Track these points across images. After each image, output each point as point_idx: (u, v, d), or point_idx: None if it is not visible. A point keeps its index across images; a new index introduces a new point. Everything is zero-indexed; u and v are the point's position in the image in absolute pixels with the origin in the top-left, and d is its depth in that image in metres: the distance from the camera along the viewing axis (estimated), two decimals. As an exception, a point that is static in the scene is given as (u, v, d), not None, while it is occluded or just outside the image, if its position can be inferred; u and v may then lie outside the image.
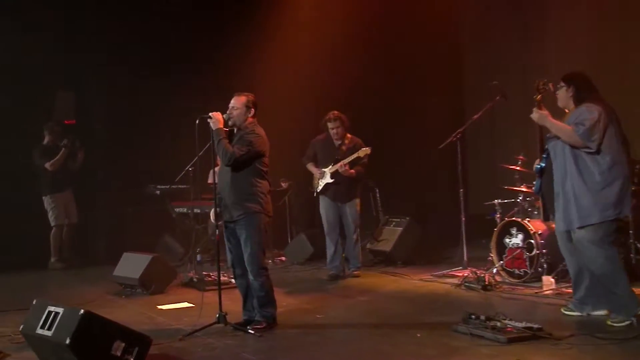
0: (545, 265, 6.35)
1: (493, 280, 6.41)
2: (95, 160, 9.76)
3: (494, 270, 6.67)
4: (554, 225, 5.43)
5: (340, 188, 7.27)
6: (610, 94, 5.25)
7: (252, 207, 5.11)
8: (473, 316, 4.77)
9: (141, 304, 6.40)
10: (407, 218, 8.41)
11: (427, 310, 5.74)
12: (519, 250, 6.54)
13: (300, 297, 6.50)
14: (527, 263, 6.46)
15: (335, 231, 7.35)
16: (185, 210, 8.82)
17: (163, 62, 9.64)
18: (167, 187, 8.87)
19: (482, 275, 6.48)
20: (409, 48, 10.13)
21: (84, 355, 4.04)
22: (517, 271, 6.57)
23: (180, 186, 8.39)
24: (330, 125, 7.24)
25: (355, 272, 7.41)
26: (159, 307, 6.19)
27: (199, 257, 8.38)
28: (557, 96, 5.07)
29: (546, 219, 5.55)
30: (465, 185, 7.49)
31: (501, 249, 6.74)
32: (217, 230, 5.26)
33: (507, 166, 7.12)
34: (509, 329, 4.54)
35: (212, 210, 5.34)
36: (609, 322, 4.84)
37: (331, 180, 7.26)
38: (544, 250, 6.34)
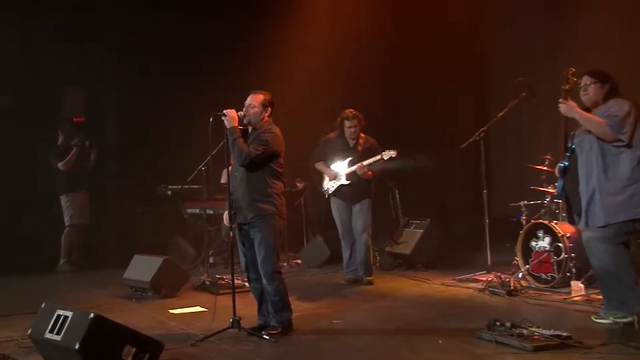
0: (573, 270, 6.29)
1: (518, 285, 6.36)
2: (104, 159, 9.81)
3: (520, 275, 6.62)
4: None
5: (354, 189, 7.23)
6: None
7: (266, 208, 5.11)
8: (498, 323, 4.73)
9: (152, 308, 6.42)
10: (428, 220, 8.38)
11: (449, 316, 5.71)
12: (546, 254, 6.48)
13: (316, 302, 6.49)
14: (555, 267, 6.41)
15: (350, 234, 7.31)
16: (197, 211, 8.85)
17: (176, 58, 9.69)
18: (179, 187, 8.90)
19: (507, 279, 6.43)
20: (429, 42, 10.07)
21: (93, 360, 4.05)
22: (544, 276, 6.52)
23: (192, 186, 8.42)
24: (347, 123, 7.19)
25: (368, 279, 7.25)
26: (171, 311, 6.20)
27: (211, 260, 8.42)
28: (585, 91, 5.01)
29: (572, 222, 5.50)
30: (488, 186, 7.43)
31: (527, 252, 6.69)
32: (230, 232, 5.25)
33: (533, 166, 7.06)
34: (536, 337, 4.50)
35: (226, 212, 5.34)
36: (611, 318, 4.91)
37: (346, 182, 7.21)
38: (572, 254, 6.28)
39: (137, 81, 9.58)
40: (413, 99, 10.24)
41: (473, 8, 10.15)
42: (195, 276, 7.46)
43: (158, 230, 9.35)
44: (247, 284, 6.59)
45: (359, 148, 7.24)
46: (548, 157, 6.90)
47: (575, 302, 5.87)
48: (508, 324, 4.69)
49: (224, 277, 7.09)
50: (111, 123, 10.05)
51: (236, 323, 5.14)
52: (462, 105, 10.32)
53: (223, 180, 8.46)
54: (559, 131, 5.28)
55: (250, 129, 5.26)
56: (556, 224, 6.47)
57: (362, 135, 7.29)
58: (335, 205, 7.37)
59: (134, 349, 4.18)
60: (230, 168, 5.32)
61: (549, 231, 6.50)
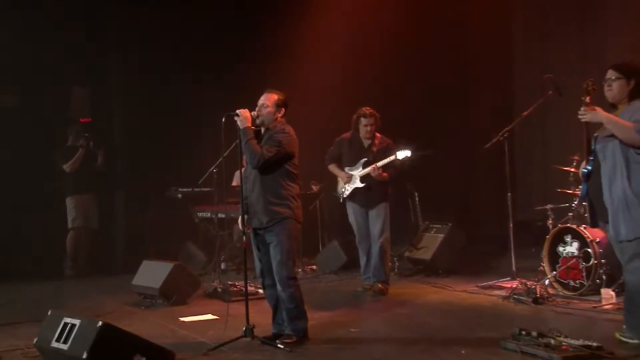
0: (604, 277, 6.24)
1: (545, 293, 6.31)
2: (112, 160, 9.87)
3: (546, 282, 6.57)
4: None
5: (370, 193, 7.14)
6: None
7: (282, 212, 5.11)
8: (523, 332, 4.71)
9: (162, 315, 6.43)
10: (449, 224, 8.36)
11: (472, 325, 5.67)
12: (574, 260, 6.44)
13: (333, 310, 6.47)
14: (584, 274, 6.36)
15: (367, 240, 7.24)
16: (209, 215, 8.86)
17: (187, 57, 9.72)
18: (190, 190, 8.93)
19: (533, 287, 6.39)
20: (451, 38, 10.04)
21: (102, 370, 4.07)
22: (572, 283, 6.48)
23: (203, 189, 8.44)
24: (363, 121, 7.14)
25: (380, 286, 7.09)
26: (182, 319, 6.20)
27: (223, 266, 8.44)
28: (609, 87, 4.93)
29: (594, 225, 5.44)
30: (513, 188, 7.40)
31: (554, 258, 6.65)
32: (243, 237, 5.25)
33: (560, 167, 7.01)
34: (564, 347, 4.45)
35: (240, 216, 5.34)
36: (617, 335, 4.80)
37: (361, 185, 7.14)
38: (602, 260, 6.23)
39: (147, 80, 9.62)
40: (433, 97, 10.21)
41: (500, 1, 10.09)
42: (206, 283, 7.47)
43: (168, 234, 9.38)
44: (260, 290, 6.60)
45: (374, 149, 7.17)
46: (576, 157, 6.85)
47: (606, 311, 5.82)
48: (534, 334, 4.65)
49: (237, 283, 7.10)
50: (119, 123, 10.10)
51: (249, 331, 5.13)
52: (486, 103, 10.29)
53: (235, 182, 8.50)
54: (583, 133, 5.22)
55: (263, 129, 5.26)
56: (585, 228, 6.41)
57: (377, 135, 7.22)
58: (351, 210, 7.32)
59: (144, 359, 4.18)
60: (242, 170, 5.33)
61: (577, 236, 6.45)
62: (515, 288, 6.54)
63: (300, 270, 8.38)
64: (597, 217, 5.17)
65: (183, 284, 6.95)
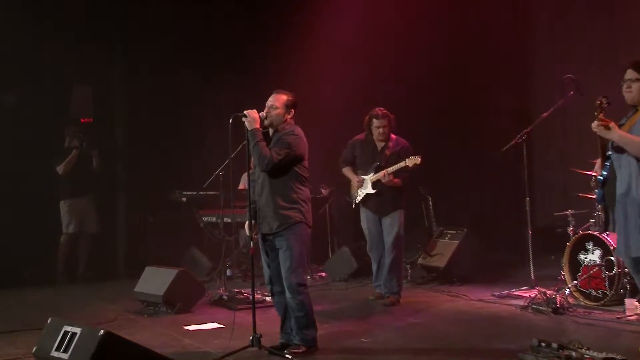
0: (627, 287, 6.20)
1: (565, 303, 6.28)
2: (114, 162, 9.88)
3: (567, 291, 6.56)
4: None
5: (382, 199, 7.08)
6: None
7: (293, 216, 5.11)
8: (543, 344, 4.68)
9: (166, 324, 6.43)
10: (464, 230, 8.33)
11: (489, 336, 5.65)
12: (596, 269, 6.41)
13: (343, 319, 6.47)
14: (606, 283, 6.32)
15: (379, 247, 7.20)
16: (214, 219, 8.85)
17: (192, 56, 9.72)
18: (195, 193, 8.90)
19: (553, 296, 6.35)
20: (466, 37, 10.00)
21: (103, 380, 4.07)
22: (594, 292, 6.44)
23: (209, 192, 8.42)
24: (376, 122, 7.08)
25: (389, 299, 7.03)
26: (186, 327, 6.21)
27: (229, 272, 8.43)
28: (629, 88, 4.89)
29: (605, 230, 5.42)
30: (531, 193, 7.39)
31: (575, 266, 6.62)
32: (251, 242, 5.25)
33: (581, 171, 6.97)
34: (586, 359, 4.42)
35: (247, 221, 5.33)
36: None
37: (372, 191, 7.09)
38: (626, 269, 6.16)
39: (151, 80, 9.62)
40: (448, 98, 10.18)
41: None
42: (211, 290, 7.47)
43: (172, 239, 9.38)
44: (267, 298, 6.61)
45: (387, 152, 7.09)
46: (595, 161, 6.80)
47: (630, 322, 5.78)
48: (554, 345, 4.63)
49: (243, 291, 7.09)
50: (122, 124, 10.10)
51: (256, 341, 5.12)
52: (503, 104, 10.24)
53: (242, 185, 8.50)
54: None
55: (271, 130, 5.26)
56: (607, 235, 6.37)
57: (392, 136, 7.15)
58: (364, 216, 7.28)
59: (147, 369, 4.18)
60: (250, 172, 5.32)
61: (600, 243, 6.42)
62: (534, 297, 6.50)
63: (309, 277, 8.36)
64: (611, 222, 5.16)
65: (187, 291, 6.95)
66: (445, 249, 8.25)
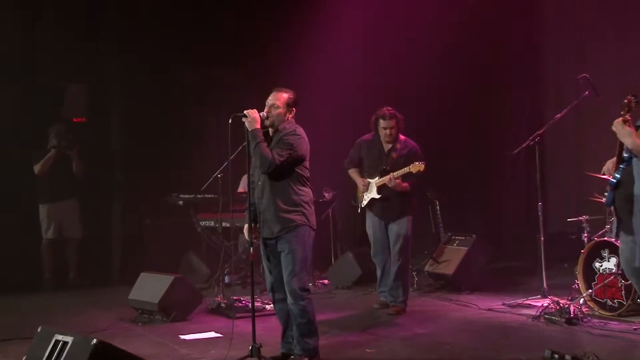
0: (645, 296, 6.19)
1: (580, 313, 6.27)
2: (108, 164, 9.88)
3: (581, 301, 6.53)
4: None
5: (390, 204, 7.04)
6: None
7: (295, 219, 5.12)
8: (556, 355, 4.71)
9: (161, 333, 6.42)
10: (473, 236, 8.32)
11: (499, 347, 5.64)
12: (612, 277, 6.38)
13: (346, 328, 6.45)
14: (623, 293, 6.30)
15: (384, 253, 7.18)
16: (212, 223, 8.86)
17: (190, 53, 9.73)
18: (192, 196, 8.92)
19: (566, 305, 6.34)
20: (476, 34, 9.99)
21: (96, 392, 4.06)
22: (609, 302, 6.42)
23: (207, 196, 8.43)
24: (383, 123, 7.02)
25: (394, 308, 7.01)
26: (182, 337, 6.20)
27: (227, 279, 8.42)
28: None
29: (617, 235, 5.42)
30: (544, 197, 7.36)
31: (590, 274, 6.60)
32: (251, 248, 5.24)
33: (595, 175, 6.94)
34: (601, 372, 4.43)
35: (246, 225, 5.33)
36: None
37: (377, 196, 7.04)
38: (643, 278, 6.17)
39: (147, 78, 9.63)
40: (458, 98, 10.17)
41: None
42: (209, 297, 7.47)
43: (168, 245, 9.37)
44: (268, 306, 6.63)
45: (394, 155, 7.04)
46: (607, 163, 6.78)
47: (648, 333, 5.78)
48: (568, 357, 4.64)
49: (242, 298, 7.08)
50: (117, 124, 10.10)
51: (256, 351, 5.10)
52: (515, 104, 10.23)
53: (242, 188, 8.50)
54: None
55: (271, 130, 5.25)
56: (623, 241, 6.36)
57: (401, 137, 7.09)
58: (369, 221, 7.24)
59: (141, 380, 4.17)
60: (249, 174, 5.31)
61: (616, 250, 6.35)
62: (546, 307, 6.48)
63: (311, 284, 8.34)
64: (622, 228, 5.16)
65: (184, 299, 6.94)
66: (453, 255, 8.22)
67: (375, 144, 7.15)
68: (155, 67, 9.59)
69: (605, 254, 6.50)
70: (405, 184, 6.92)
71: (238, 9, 9.88)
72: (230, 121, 5.14)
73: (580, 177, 8.23)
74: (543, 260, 7.11)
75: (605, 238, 6.59)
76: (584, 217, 7.06)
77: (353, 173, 7.29)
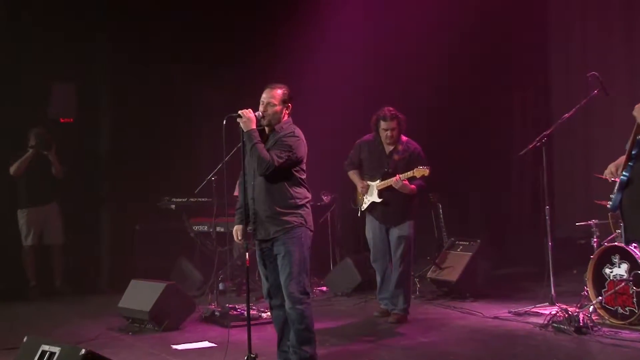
0: (658, 303, 6.19)
1: (589, 321, 6.25)
2: (96, 166, 9.86)
3: (591, 308, 6.52)
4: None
5: (388, 208, 7.03)
6: None
7: (292, 220, 5.12)
8: (565, 366, 4.66)
9: (152, 342, 6.40)
10: (478, 241, 8.33)
11: (505, 357, 5.65)
12: (623, 284, 6.37)
13: (346, 337, 6.46)
14: (634, 300, 6.29)
15: (385, 258, 7.18)
16: (206, 228, 8.86)
17: (182, 51, 9.72)
18: (185, 200, 8.92)
19: (575, 314, 6.32)
20: (481, 31, 9.99)
21: (84, 404, 4.05)
22: (620, 310, 6.41)
23: (200, 199, 8.42)
24: (383, 124, 7.01)
25: (396, 316, 7.00)
26: (174, 347, 6.19)
27: (222, 286, 8.42)
28: None
29: (628, 242, 5.40)
30: (551, 200, 7.36)
31: (600, 281, 6.59)
32: (246, 254, 5.23)
33: (604, 177, 6.94)
34: (612, 383, 4.42)
35: (236, 226, 5.32)
36: None
37: (379, 200, 7.04)
38: (656, 284, 6.18)
39: (138, 78, 9.61)
40: (461, 97, 10.17)
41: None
42: (202, 305, 7.45)
43: (159, 250, 9.35)
44: (264, 314, 6.62)
45: (396, 157, 7.04)
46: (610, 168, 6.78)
47: (660, 343, 5.78)
48: (578, 368, 4.61)
49: (237, 306, 7.07)
50: (105, 124, 10.09)
51: (251, 361, 5.11)
52: (521, 104, 10.24)
53: (237, 192, 8.47)
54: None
55: (267, 130, 5.25)
56: (635, 247, 6.35)
57: (403, 138, 7.09)
58: (369, 225, 7.24)
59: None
60: (241, 175, 5.29)
61: (627, 256, 6.39)
62: (554, 315, 6.46)
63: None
64: (632, 231, 5.14)
65: (176, 307, 6.93)
66: (457, 261, 8.22)
67: (376, 145, 7.15)
68: (145, 67, 9.56)
69: (616, 259, 6.49)
70: (413, 186, 6.92)
71: (231, 8, 9.87)
72: (224, 122, 5.13)
73: (589, 179, 8.24)
74: (551, 266, 7.11)
75: (616, 243, 6.59)
76: (593, 221, 7.06)
77: (353, 175, 7.28)
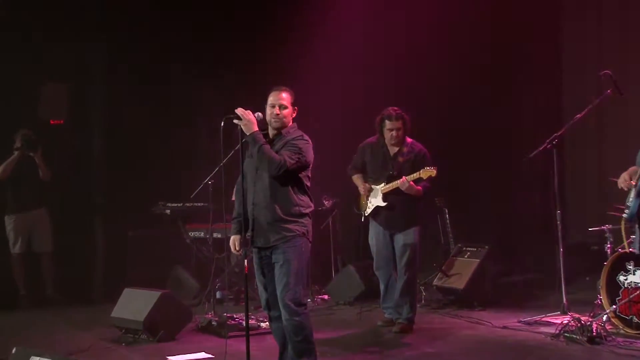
0: (674, 313, 6.20)
1: (603, 331, 6.25)
2: (88, 170, 9.86)
3: (604, 317, 6.52)
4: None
5: (394, 213, 7.04)
6: None
7: (294, 229, 5.13)
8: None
9: (147, 353, 6.41)
10: (486, 247, 8.34)
11: (516, 368, 5.65)
12: (638, 292, 6.38)
13: (348, 347, 6.45)
14: (650, 308, 6.30)
15: (389, 266, 7.18)
16: (202, 234, 8.86)
17: (180, 51, 9.72)
18: (181, 205, 8.93)
19: (588, 323, 6.33)
20: (489, 27, 9.99)
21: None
22: (635, 319, 6.40)
23: (197, 204, 8.42)
24: (388, 124, 7.01)
25: (400, 326, 6.99)
26: (170, 358, 6.18)
27: (219, 295, 8.42)
28: None
29: None
30: (563, 205, 7.35)
31: (614, 289, 6.59)
32: (245, 261, 5.23)
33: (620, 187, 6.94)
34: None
35: (233, 236, 5.33)
36: None
37: (383, 204, 7.06)
38: (672, 293, 6.18)
39: (131, 78, 9.63)
40: (469, 96, 10.17)
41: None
42: (199, 315, 7.46)
43: (154, 258, 9.36)
44: (263, 324, 6.62)
45: (400, 159, 7.05)
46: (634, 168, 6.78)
47: (677, 353, 5.78)
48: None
49: (235, 315, 7.06)
50: (98, 126, 10.10)
51: (250, 374, 5.10)
52: (531, 103, 10.22)
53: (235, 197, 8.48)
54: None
55: (271, 133, 5.26)
56: (650, 253, 6.37)
57: (407, 140, 7.10)
58: (373, 230, 7.25)
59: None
60: (239, 181, 5.30)
61: (642, 263, 6.41)
62: (566, 324, 6.47)
63: (309, 300, 8.34)
64: None
65: (171, 316, 6.93)
66: (464, 268, 8.23)
67: (380, 147, 7.16)
68: (141, 66, 9.57)
69: (631, 266, 6.50)
70: (419, 187, 6.91)
71: (229, 8, 9.89)
72: (222, 124, 5.13)
73: (602, 183, 8.22)
74: (562, 274, 7.12)
75: (630, 249, 6.58)
76: (606, 227, 7.07)
77: (357, 179, 7.30)
